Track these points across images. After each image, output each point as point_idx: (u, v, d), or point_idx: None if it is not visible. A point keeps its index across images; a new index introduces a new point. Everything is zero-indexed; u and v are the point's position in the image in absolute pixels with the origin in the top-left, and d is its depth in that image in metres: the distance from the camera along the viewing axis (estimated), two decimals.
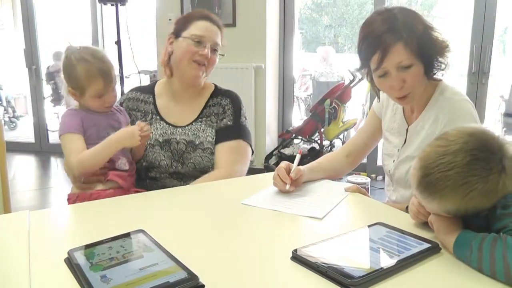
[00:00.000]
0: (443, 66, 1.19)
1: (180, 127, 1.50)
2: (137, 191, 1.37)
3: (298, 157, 1.23)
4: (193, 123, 1.50)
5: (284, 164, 1.23)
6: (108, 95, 1.33)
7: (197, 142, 1.47)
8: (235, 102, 1.54)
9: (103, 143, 1.26)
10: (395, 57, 1.12)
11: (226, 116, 1.51)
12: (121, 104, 1.55)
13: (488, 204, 0.79)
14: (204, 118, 1.51)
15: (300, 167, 1.24)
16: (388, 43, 1.11)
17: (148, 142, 1.46)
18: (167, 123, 1.51)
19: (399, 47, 1.11)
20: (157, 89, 1.58)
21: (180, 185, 1.45)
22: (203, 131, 1.49)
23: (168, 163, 1.46)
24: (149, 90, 1.58)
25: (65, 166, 1.35)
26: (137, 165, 1.46)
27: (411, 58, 1.12)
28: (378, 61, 1.13)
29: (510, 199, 0.80)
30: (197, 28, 1.46)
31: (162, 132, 1.49)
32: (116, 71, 1.37)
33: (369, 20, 1.17)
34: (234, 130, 1.50)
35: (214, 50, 1.48)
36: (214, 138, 1.48)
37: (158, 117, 1.52)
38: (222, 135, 1.48)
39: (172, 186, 1.43)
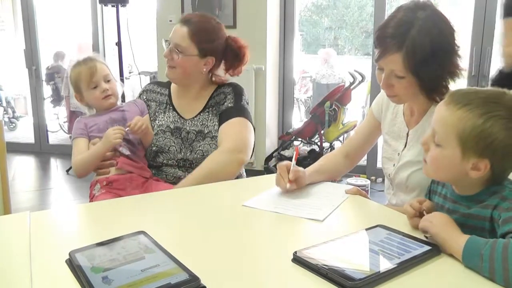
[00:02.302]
0: (444, 91, 1.16)
1: (189, 119, 1.56)
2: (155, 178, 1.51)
3: (294, 154, 1.26)
4: (200, 114, 1.56)
5: (284, 162, 1.23)
6: (102, 85, 1.47)
7: (206, 131, 1.53)
8: (236, 88, 1.59)
9: (89, 151, 1.43)
10: (390, 64, 1.12)
11: (227, 100, 1.55)
12: (140, 95, 1.68)
13: (505, 142, 0.80)
14: (210, 109, 1.57)
15: (300, 168, 1.24)
16: (388, 48, 1.11)
17: (160, 129, 1.55)
18: (178, 113, 1.58)
19: (397, 57, 1.10)
20: (172, 84, 1.66)
21: (184, 176, 1.48)
22: (210, 121, 1.55)
23: (177, 149, 1.52)
24: (165, 84, 1.67)
25: None
26: (146, 150, 1.55)
27: (404, 71, 1.11)
28: (377, 56, 1.15)
29: None
30: (172, 32, 1.52)
31: (173, 120, 1.57)
32: (116, 70, 1.51)
33: (394, 12, 1.14)
34: (235, 110, 1.53)
35: (176, 52, 1.48)
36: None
37: (171, 107, 1.60)
38: (224, 116, 1.53)
39: (175, 176, 1.49)
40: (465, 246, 0.77)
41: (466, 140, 0.82)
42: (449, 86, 1.17)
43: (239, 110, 1.53)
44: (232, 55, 1.57)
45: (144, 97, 1.65)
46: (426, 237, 0.88)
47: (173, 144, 1.52)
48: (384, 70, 1.15)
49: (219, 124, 1.52)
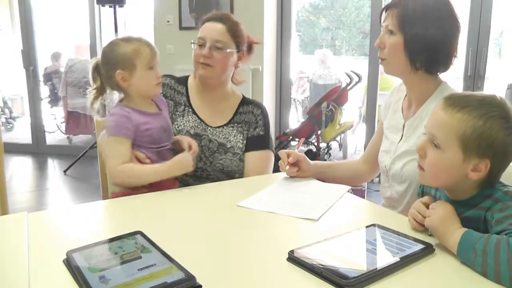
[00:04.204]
0: (428, 63, 1.22)
1: (211, 127, 1.53)
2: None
3: (298, 142, 1.37)
4: (224, 127, 1.54)
5: (285, 150, 1.37)
6: (157, 70, 1.30)
7: (228, 146, 1.50)
8: (264, 113, 1.61)
9: (155, 170, 1.22)
10: (387, 19, 1.25)
11: (258, 126, 1.57)
12: None
13: (504, 141, 0.82)
14: (235, 124, 1.55)
15: (301, 154, 1.35)
16: (391, 6, 1.25)
17: (180, 134, 1.47)
18: (199, 118, 1.53)
19: (394, 12, 1.23)
20: (189, 82, 1.60)
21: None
22: (234, 136, 1.53)
23: (196, 157, 1.41)
24: (182, 81, 1.60)
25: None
26: None
27: (395, 26, 1.22)
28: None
29: (506, 201, 0.82)
30: (201, 31, 1.50)
31: (194, 125, 1.51)
32: None
33: None
34: (265, 140, 1.57)
35: (216, 48, 1.46)
36: (244, 145, 1.53)
37: (190, 109, 1.54)
38: (254, 144, 1.54)
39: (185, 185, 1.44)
40: (460, 240, 0.79)
41: (467, 142, 0.83)
42: (435, 64, 1.23)
43: (268, 140, 1.58)
44: (248, 49, 1.60)
45: (161, 91, 1.52)
46: (430, 235, 0.90)
47: None
48: (382, 28, 1.26)
49: (246, 147, 1.53)
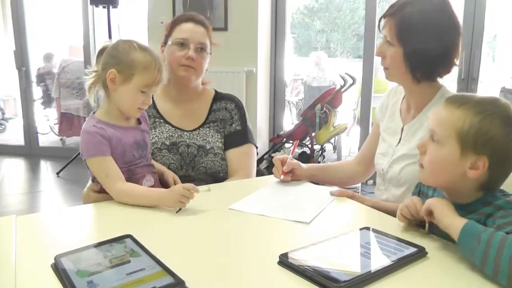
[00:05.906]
0: (429, 72, 1.22)
1: (187, 131, 1.50)
2: None
3: (292, 147, 1.36)
4: (201, 128, 1.52)
5: (280, 156, 1.34)
6: (149, 97, 1.20)
7: (208, 147, 1.48)
8: (239, 106, 1.59)
9: (145, 195, 1.13)
10: (385, 28, 1.22)
11: (234, 121, 1.55)
12: None
13: (502, 139, 0.82)
14: (211, 124, 1.53)
15: (295, 161, 1.33)
16: (388, 14, 1.21)
17: (155, 146, 1.44)
18: (172, 126, 1.51)
19: (391, 21, 1.20)
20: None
21: None
22: (212, 137, 1.51)
23: (177, 166, 1.44)
24: None
25: (85, 194, 1.27)
26: None
27: (394, 38, 1.20)
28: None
29: (509, 209, 0.81)
30: (180, 31, 1.48)
31: (168, 135, 1.48)
32: None
33: None
34: (243, 135, 1.55)
35: (201, 50, 1.47)
36: (223, 143, 1.51)
37: (161, 120, 1.51)
38: (233, 140, 1.53)
39: None
40: (465, 225, 0.78)
41: (465, 138, 0.84)
42: (437, 72, 1.22)
43: (247, 134, 1.56)
44: None
45: None
46: (429, 225, 0.90)
47: (172, 161, 1.44)
48: (383, 37, 1.24)
49: (225, 145, 1.51)
